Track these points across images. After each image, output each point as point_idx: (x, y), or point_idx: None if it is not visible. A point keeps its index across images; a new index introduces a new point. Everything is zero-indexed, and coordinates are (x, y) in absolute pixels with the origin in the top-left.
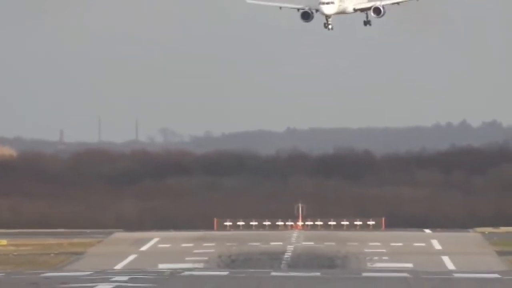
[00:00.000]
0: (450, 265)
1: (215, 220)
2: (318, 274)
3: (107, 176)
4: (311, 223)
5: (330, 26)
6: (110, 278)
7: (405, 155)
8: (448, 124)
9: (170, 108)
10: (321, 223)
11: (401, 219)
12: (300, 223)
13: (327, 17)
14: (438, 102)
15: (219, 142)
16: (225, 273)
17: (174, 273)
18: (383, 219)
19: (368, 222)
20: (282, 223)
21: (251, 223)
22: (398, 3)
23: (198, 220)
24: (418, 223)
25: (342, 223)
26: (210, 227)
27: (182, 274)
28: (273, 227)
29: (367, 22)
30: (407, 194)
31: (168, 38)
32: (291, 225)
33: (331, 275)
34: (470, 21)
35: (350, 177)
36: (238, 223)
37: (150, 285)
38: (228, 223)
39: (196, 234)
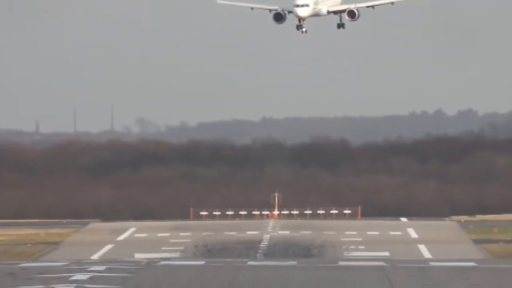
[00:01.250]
0: (426, 254)
1: (191, 209)
2: (294, 263)
3: (83, 166)
4: (287, 212)
5: (304, 29)
6: (87, 268)
7: (381, 143)
8: (424, 113)
9: (146, 98)
10: (297, 212)
11: (377, 208)
12: (276, 212)
13: (301, 19)
14: (413, 90)
15: (195, 132)
16: (202, 262)
17: (150, 262)
18: (359, 208)
19: (344, 211)
20: (258, 212)
21: (227, 212)
22: (373, 6)
23: (174, 209)
24: (394, 212)
25: (318, 212)
26: (186, 216)
27: (159, 263)
28: (249, 216)
29: (340, 25)
30: (383, 182)
31: (146, 29)
32: (267, 214)
33: (307, 264)
34: (446, 11)
35: (326, 166)
36: (214, 212)
37: (127, 274)
38: (204, 213)
39: (172, 223)
